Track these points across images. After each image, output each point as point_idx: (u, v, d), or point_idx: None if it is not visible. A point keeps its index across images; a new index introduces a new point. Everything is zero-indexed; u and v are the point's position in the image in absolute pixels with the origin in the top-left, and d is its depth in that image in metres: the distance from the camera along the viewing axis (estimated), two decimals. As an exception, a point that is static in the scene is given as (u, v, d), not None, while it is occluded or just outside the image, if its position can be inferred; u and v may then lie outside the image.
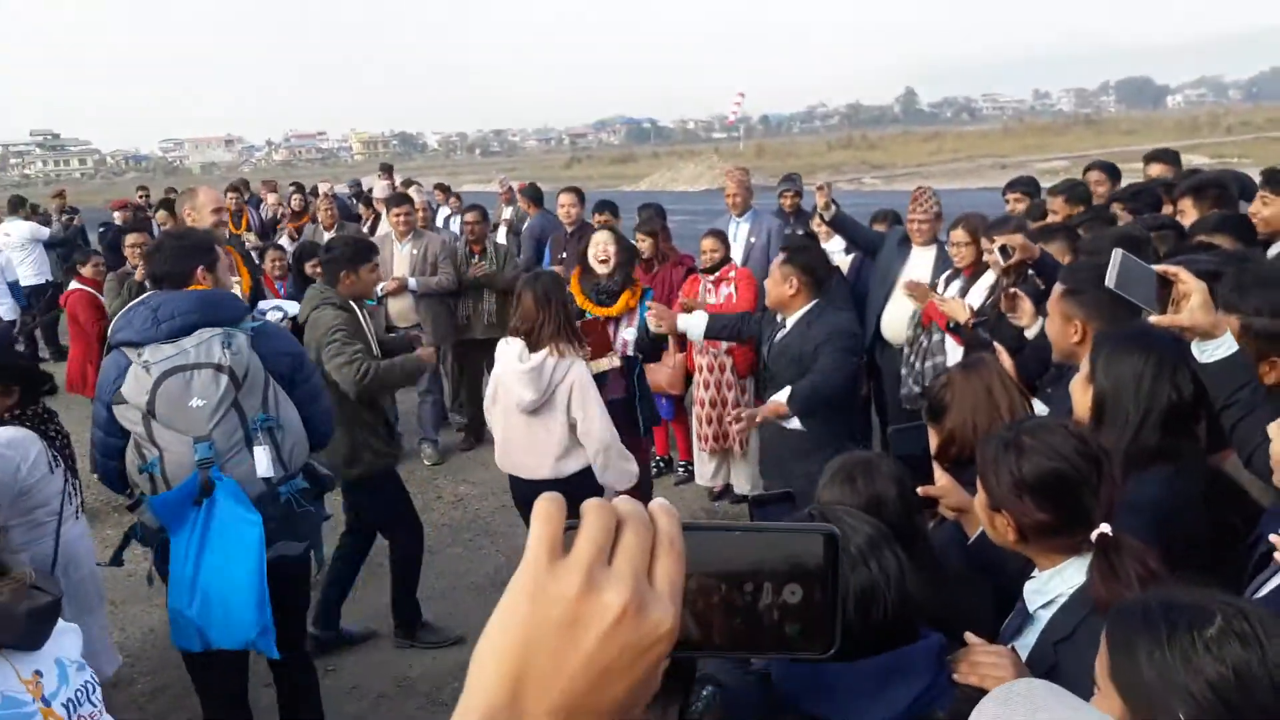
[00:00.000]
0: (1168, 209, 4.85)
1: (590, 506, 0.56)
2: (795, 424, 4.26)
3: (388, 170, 15.54)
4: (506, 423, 4.16)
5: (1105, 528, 1.75)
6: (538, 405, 4.02)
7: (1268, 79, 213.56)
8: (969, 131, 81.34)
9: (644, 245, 6.36)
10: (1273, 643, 1.21)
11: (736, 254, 6.53)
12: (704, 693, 1.35)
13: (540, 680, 0.53)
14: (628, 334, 5.12)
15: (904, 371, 5.12)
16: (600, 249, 5.12)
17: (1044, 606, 1.89)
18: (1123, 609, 1.37)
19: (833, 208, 5.85)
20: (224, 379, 2.95)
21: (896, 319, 5.49)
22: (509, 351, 4.07)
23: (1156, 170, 6.21)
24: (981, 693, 1.54)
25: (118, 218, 12.82)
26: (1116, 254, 2.34)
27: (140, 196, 16.28)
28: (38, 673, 1.74)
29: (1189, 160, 25.43)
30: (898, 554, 1.54)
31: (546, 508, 0.56)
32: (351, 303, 4.51)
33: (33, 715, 1.69)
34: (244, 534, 2.91)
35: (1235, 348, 2.14)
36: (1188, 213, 4.38)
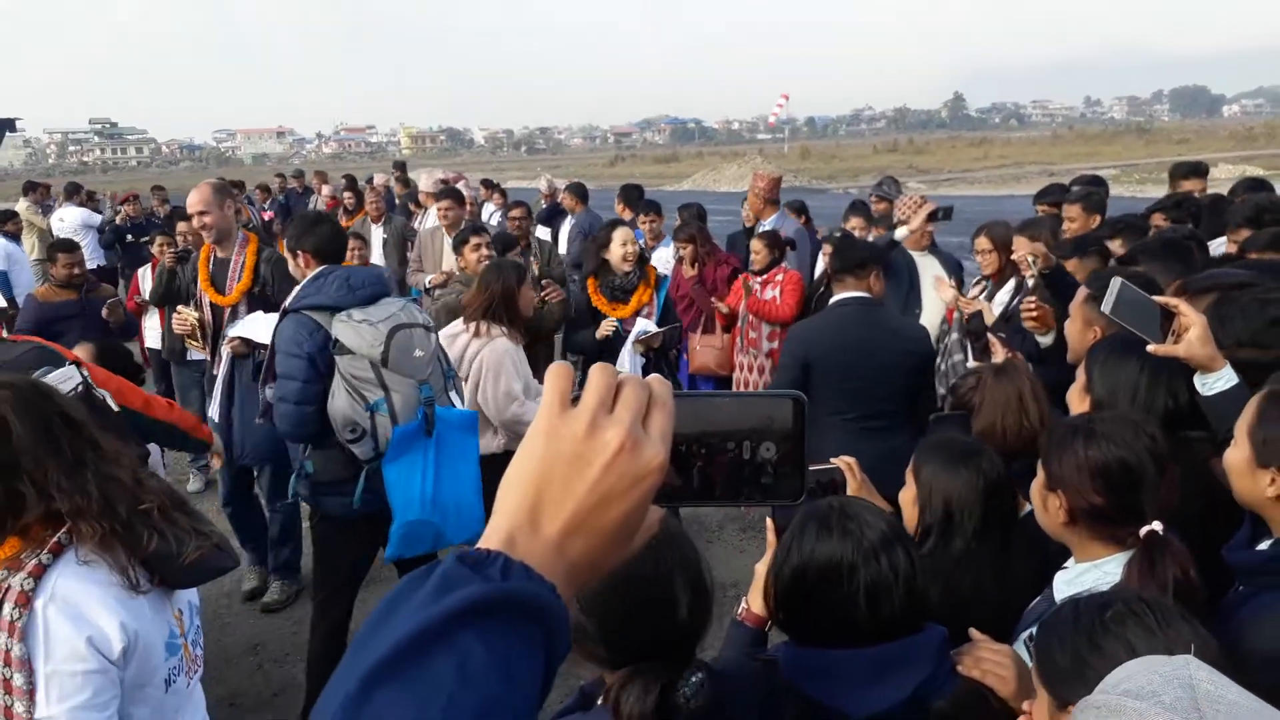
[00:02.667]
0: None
1: (596, 368, 0.68)
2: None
3: (400, 167, 15.30)
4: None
5: (1157, 525, 1.76)
6: (462, 376, 4.27)
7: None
8: (1017, 138, 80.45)
9: (685, 252, 6.40)
10: (1169, 621, 1.29)
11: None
12: (693, 679, 1.39)
13: (553, 504, 0.65)
14: (641, 326, 5.14)
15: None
16: (628, 248, 5.19)
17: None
18: (1046, 619, 1.45)
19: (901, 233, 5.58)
20: (433, 336, 3.65)
21: (929, 326, 5.50)
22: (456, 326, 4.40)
23: (1189, 186, 6.06)
24: (983, 687, 1.63)
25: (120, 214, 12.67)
26: (1115, 281, 2.34)
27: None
28: (180, 610, 1.98)
29: (1243, 171, 24.98)
30: (909, 551, 1.59)
31: (559, 369, 0.69)
32: None
33: (179, 646, 1.94)
34: (468, 450, 3.64)
35: (1235, 380, 2.15)
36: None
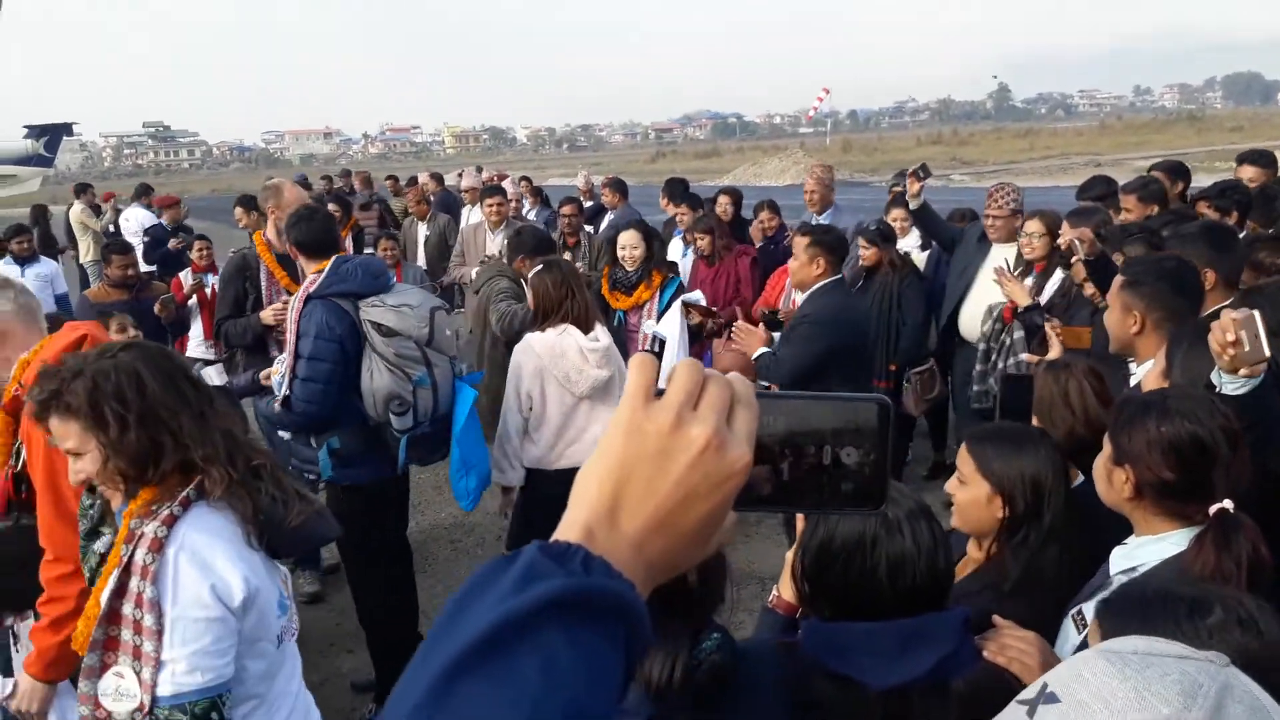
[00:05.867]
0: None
1: (681, 365, 0.66)
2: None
3: (478, 170, 16.22)
4: (555, 412, 4.17)
5: (1228, 504, 1.75)
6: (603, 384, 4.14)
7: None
8: (1063, 128, 79.06)
9: (702, 244, 6.45)
10: (1267, 625, 1.26)
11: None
12: (714, 635, 1.43)
13: (635, 500, 0.63)
14: (648, 326, 5.46)
15: (978, 369, 5.08)
16: (627, 251, 5.59)
17: (1124, 572, 1.91)
18: (1116, 599, 1.42)
19: (922, 197, 5.80)
20: (449, 316, 3.99)
21: (973, 315, 5.38)
22: (566, 339, 4.11)
23: (1250, 174, 5.87)
24: (1005, 673, 1.63)
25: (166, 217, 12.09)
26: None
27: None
28: (284, 576, 2.09)
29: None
30: (934, 529, 1.61)
31: (642, 359, 0.67)
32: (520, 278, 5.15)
33: (288, 606, 2.06)
34: (465, 401, 3.99)
35: (1260, 378, 2.11)
36: None
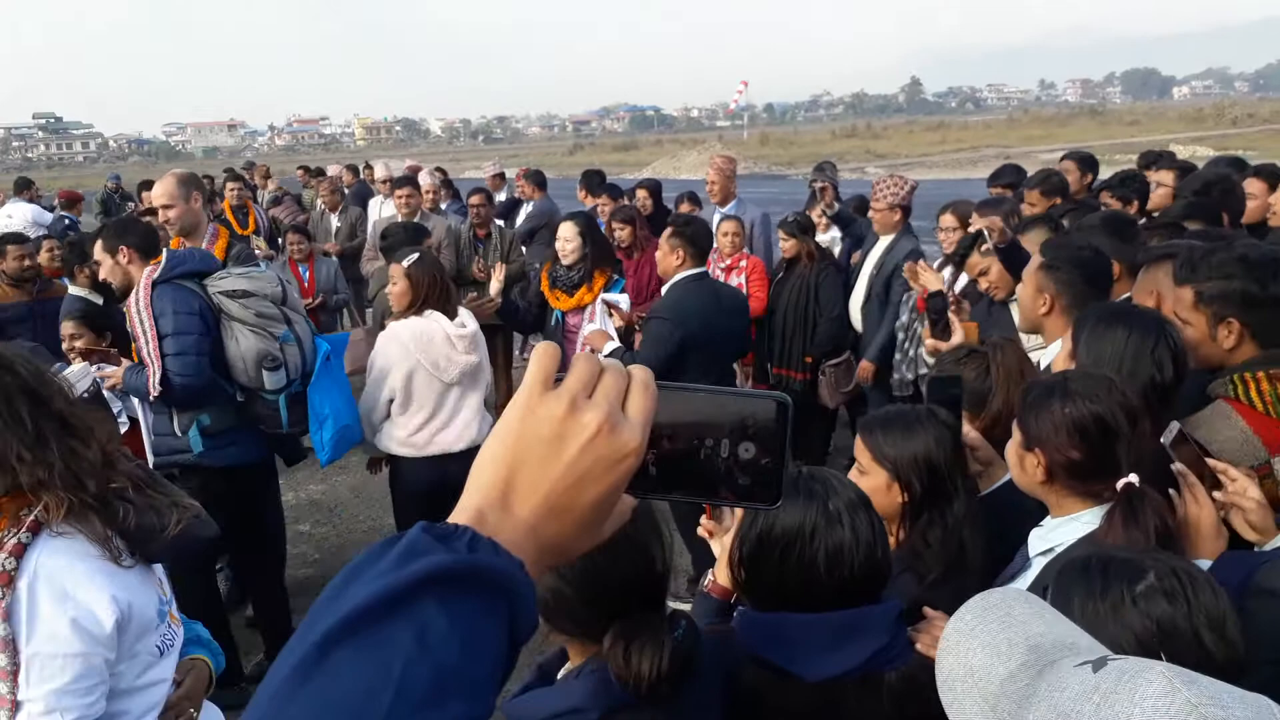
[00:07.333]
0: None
1: (579, 357, 0.67)
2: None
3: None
4: (426, 399, 4.10)
5: (1133, 478, 1.78)
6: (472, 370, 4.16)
7: (1275, 71, 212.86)
8: (973, 122, 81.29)
9: (622, 234, 6.31)
10: (1199, 599, 1.26)
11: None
12: (680, 623, 1.43)
13: (527, 484, 0.64)
14: (588, 329, 5.23)
15: (897, 357, 5.14)
16: (562, 244, 5.33)
17: (1043, 554, 1.93)
18: (1067, 564, 1.43)
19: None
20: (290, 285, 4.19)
21: (856, 306, 5.65)
22: (432, 325, 4.06)
23: (1150, 174, 6.20)
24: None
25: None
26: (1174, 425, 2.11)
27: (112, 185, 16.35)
28: (160, 579, 1.98)
29: (1193, 151, 25.52)
30: (874, 519, 1.60)
31: (544, 349, 0.68)
32: None
33: (166, 612, 1.95)
34: (342, 367, 4.22)
35: None
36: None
